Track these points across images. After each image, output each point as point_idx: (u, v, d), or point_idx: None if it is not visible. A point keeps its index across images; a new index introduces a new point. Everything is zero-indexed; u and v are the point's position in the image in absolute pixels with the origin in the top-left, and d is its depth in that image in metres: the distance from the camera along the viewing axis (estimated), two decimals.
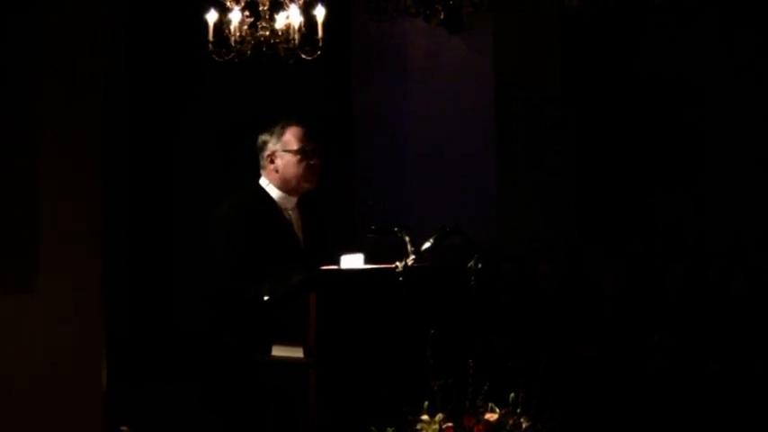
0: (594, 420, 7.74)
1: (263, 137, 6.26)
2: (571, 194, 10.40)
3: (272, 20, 8.57)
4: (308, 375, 5.40)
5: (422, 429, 5.01)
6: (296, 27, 8.52)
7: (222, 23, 8.50)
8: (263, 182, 6.33)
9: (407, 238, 5.98)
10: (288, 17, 8.55)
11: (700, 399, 7.73)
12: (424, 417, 5.04)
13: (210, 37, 8.47)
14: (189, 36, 9.10)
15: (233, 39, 8.47)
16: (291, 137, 6.18)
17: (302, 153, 6.14)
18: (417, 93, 9.96)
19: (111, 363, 6.64)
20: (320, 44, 8.49)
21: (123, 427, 5.30)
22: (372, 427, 5.06)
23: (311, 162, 6.23)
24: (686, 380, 7.82)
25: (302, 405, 5.42)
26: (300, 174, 6.14)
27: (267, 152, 6.20)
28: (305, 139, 6.18)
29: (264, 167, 6.26)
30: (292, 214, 6.29)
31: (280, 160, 6.17)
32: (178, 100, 11.16)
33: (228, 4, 8.46)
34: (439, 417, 5.03)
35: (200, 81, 10.84)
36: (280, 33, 8.50)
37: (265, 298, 5.56)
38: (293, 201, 6.29)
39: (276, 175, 6.20)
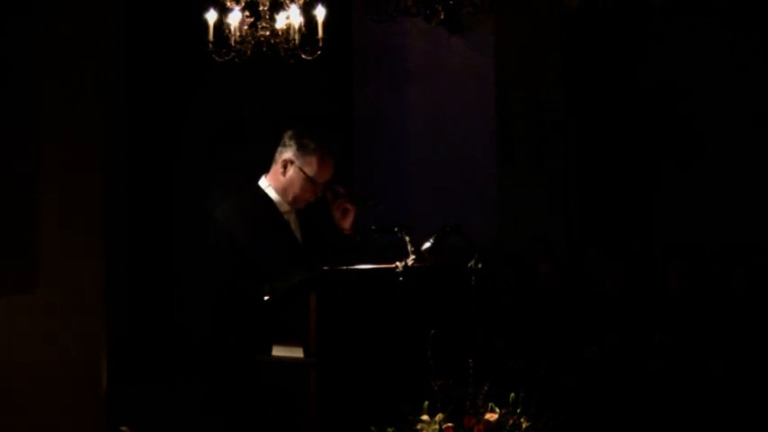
0: (595, 420, 7.75)
1: (291, 141, 6.22)
2: (571, 194, 10.40)
3: (272, 20, 8.57)
4: (308, 375, 5.41)
5: (422, 429, 5.01)
6: (296, 27, 8.52)
7: (222, 23, 8.51)
8: (263, 183, 6.29)
9: (407, 238, 5.96)
10: (288, 17, 8.56)
11: (701, 398, 7.73)
12: (424, 417, 5.04)
13: (210, 37, 8.48)
14: (189, 36, 9.11)
15: (233, 39, 8.47)
16: (316, 163, 6.14)
17: (313, 183, 6.13)
18: (417, 93, 9.97)
19: (112, 363, 6.65)
20: (320, 44, 8.49)
21: (123, 428, 5.30)
22: (372, 428, 5.06)
23: (314, 194, 6.20)
24: (687, 379, 7.83)
25: (302, 405, 5.42)
26: (299, 195, 6.15)
27: (285, 156, 6.19)
28: (325, 173, 6.15)
29: (276, 164, 6.23)
30: (290, 216, 6.27)
31: (292, 172, 6.16)
32: (178, 100, 11.17)
33: (228, 4, 8.46)
34: (439, 417, 5.03)
35: (201, 81, 10.84)
36: (280, 33, 8.51)
37: (265, 298, 5.56)
38: (288, 207, 6.26)
39: (280, 180, 6.19)
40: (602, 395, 8.01)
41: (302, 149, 6.19)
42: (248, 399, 5.61)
